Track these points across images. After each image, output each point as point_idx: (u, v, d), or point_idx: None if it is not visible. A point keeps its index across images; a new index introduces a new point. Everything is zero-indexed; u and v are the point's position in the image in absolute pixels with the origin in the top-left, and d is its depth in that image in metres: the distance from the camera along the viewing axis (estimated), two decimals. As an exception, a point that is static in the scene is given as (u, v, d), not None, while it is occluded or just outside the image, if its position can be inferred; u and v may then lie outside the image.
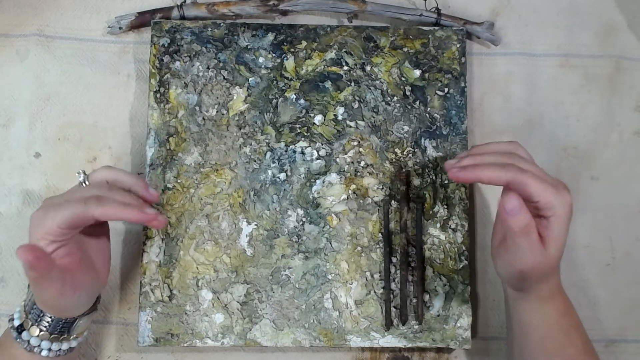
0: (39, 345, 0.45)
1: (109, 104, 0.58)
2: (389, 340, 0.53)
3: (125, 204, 0.44)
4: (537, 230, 0.44)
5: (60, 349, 0.46)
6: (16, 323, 0.46)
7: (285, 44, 0.57)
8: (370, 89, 0.56)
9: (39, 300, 0.45)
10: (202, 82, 0.56)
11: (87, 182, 0.46)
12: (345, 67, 0.57)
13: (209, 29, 0.57)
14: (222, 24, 0.57)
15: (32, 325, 0.45)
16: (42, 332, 0.45)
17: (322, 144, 0.56)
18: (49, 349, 0.46)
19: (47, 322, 0.45)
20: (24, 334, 0.45)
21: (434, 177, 0.55)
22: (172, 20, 0.57)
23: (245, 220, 0.54)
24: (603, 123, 0.60)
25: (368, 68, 0.57)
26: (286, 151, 0.55)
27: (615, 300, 0.57)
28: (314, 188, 0.55)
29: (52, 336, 0.46)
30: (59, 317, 0.45)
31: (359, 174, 0.55)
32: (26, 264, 0.41)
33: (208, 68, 0.56)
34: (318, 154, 0.55)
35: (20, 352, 0.45)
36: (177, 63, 0.56)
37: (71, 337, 0.47)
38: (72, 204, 0.43)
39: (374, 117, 0.56)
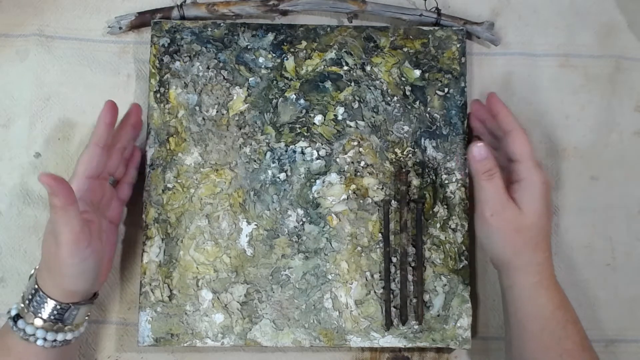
0: (34, 334, 0.45)
1: (109, 104, 0.58)
2: (389, 340, 0.53)
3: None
4: (510, 192, 0.49)
5: (55, 340, 0.46)
6: (13, 312, 0.46)
7: (285, 44, 0.57)
8: (370, 89, 0.56)
9: (49, 254, 0.45)
10: (202, 82, 0.56)
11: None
12: (345, 67, 0.57)
13: (209, 29, 0.57)
14: (222, 24, 0.57)
15: (28, 313, 0.46)
16: (36, 319, 0.45)
17: (322, 144, 0.56)
18: (44, 339, 0.46)
19: (46, 308, 0.46)
20: (20, 322, 0.46)
21: (434, 177, 0.55)
22: (172, 20, 0.57)
23: (245, 220, 0.54)
24: (603, 123, 0.60)
25: (368, 68, 0.57)
26: (286, 151, 0.55)
27: (615, 300, 0.57)
28: (314, 188, 0.55)
29: (46, 323, 0.46)
30: (58, 300, 0.46)
31: (359, 174, 0.55)
32: (48, 189, 0.43)
33: (208, 68, 0.56)
34: (318, 154, 0.55)
35: (16, 342, 0.46)
36: (177, 63, 0.56)
37: (66, 327, 0.47)
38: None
39: (374, 117, 0.56)
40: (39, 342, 0.46)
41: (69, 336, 0.47)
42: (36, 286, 0.46)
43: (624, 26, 0.61)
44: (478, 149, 0.48)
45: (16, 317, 0.46)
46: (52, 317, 0.46)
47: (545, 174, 0.49)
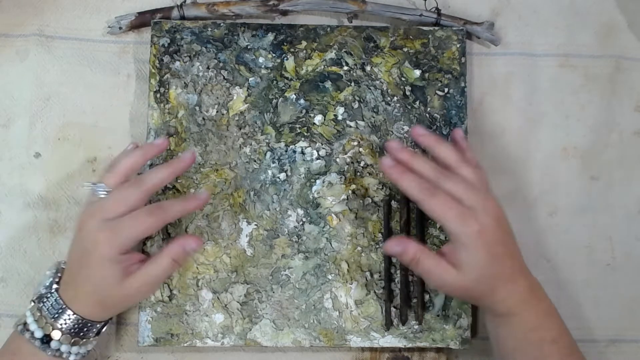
0: (69, 351, 0.46)
1: (109, 104, 0.58)
2: (389, 340, 0.53)
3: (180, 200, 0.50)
4: (444, 250, 0.47)
5: (86, 351, 0.48)
6: (38, 333, 0.45)
7: (285, 44, 0.57)
8: (370, 89, 0.56)
9: (132, 301, 0.49)
10: (202, 82, 0.56)
11: (106, 191, 0.48)
12: (345, 67, 0.57)
13: (209, 29, 0.57)
14: (222, 24, 0.57)
15: (62, 334, 0.46)
16: (73, 340, 0.46)
17: (322, 144, 0.56)
18: (77, 353, 0.47)
19: (72, 324, 0.46)
20: (53, 344, 0.45)
21: (434, 177, 0.55)
22: (172, 20, 0.57)
23: (245, 220, 0.54)
24: (603, 123, 0.60)
25: (368, 68, 0.57)
26: (286, 151, 0.55)
27: (615, 300, 0.57)
28: (314, 188, 0.55)
29: (82, 341, 0.47)
30: (89, 318, 0.46)
31: (359, 174, 0.55)
32: (196, 249, 0.48)
33: (208, 68, 0.56)
34: (318, 154, 0.55)
35: (38, 358, 0.46)
36: (177, 63, 0.56)
37: (94, 340, 0.48)
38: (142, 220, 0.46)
39: (374, 117, 0.56)
40: (72, 358, 0.46)
41: (94, 344, 0.49)
42: (70, 311, 0.46)
43: (624, 26, 0.61)
44: (392, 248, 0.47)
45: (45, 339, 0.45)
46: (75, 331, 0.46)
47: (474, 222, 0.44)
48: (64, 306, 0.46)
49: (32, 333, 0.45)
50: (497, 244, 0.45)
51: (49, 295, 0.46)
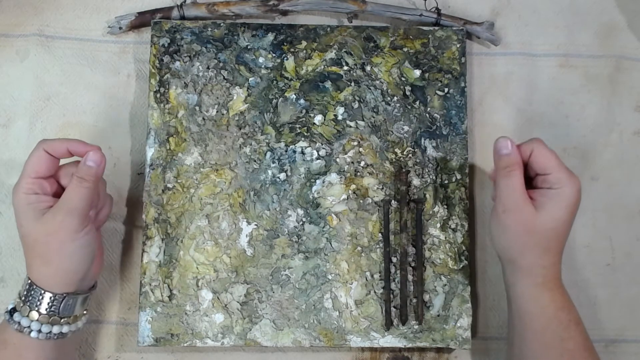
0: (29, 326, 0.46)
1: (109, 104, 0.58)
2: (389, 340, 0.53)
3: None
4: (533, 194, 0.48)
5: (50, 332, 0.47)
6: (9, 307, 0.47)
7: (285, 44, 0.57)
8: (370, 89, 0.56)
9: (44, 240, 0.46)
10: (202, 82, 0.56)
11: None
12: (345, 67, 0.57)
13: (209, 29, 0.57)
14: (222, 24, 0.57)
15: (24, 306, 0.46)
16: (32, 312, 0.46)
17: (322, 144, 0.56)
18: (39, 330, 0.46)
19: (43, 302, 0.46)
20: (15, 315, 0.46)
21: (434, 177, 0.55)
22: (172, 20, 0.57)
23: (245, 220, 0.54)
24: (603, 123, 0.60)
25: (368, 68, 0.57)
26: (286, 151, 0.55)
27: (615, 300, 0.57)
28: (314, 188, 0.55)
29: (42, 316, 0.46)
30: (53, 290, 0.46)
31: (359, 174, 0.55)
32: (96, 161, 0.47)
33: (208, 68, 0.56)
34: (318, 154, 0.55)
35: (11, 335, 0.46)
36: (177, 63, 0.56)
37: (62, 320, 0.47)
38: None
39: (374, 117, 0.56)
40: (33, 334, 0.46)
41: (64, 329, 0.47)
42: (29, 280, 0.47)
43: (624, 26, 0.61)
44: (502, 143, 0.48)
45: (12, 311, 0.46)
46: (49, 310, 0.46)
47: (577, 181, 0.47)
48: (31, 283, 0.46)
49: (7, 309, 0.47)
50: (574, 215, 0.48)
51: (24, 278, 0.48)
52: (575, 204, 0.47)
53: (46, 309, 0.46)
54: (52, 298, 0.46)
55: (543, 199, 0.47)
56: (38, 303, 0.46)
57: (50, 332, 0.46)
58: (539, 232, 0.47)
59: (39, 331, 0.46)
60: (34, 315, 0.46)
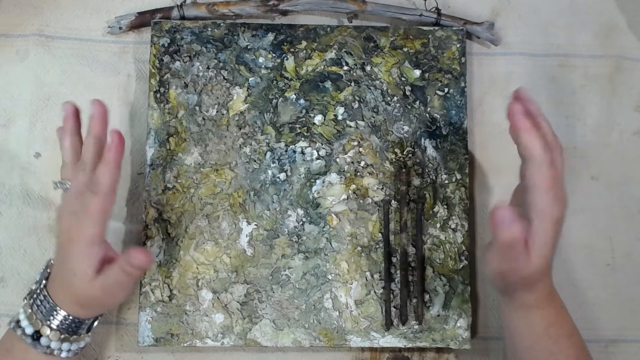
0: (60, 348, 0.46)
1: (109, 104, 0.57)
2: (389, 340, 0.53)
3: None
4: (521, 213, 0.43)
5: (78, 348, 0.48)
6: (29, 330, 0.46)
7: (285, 44, 0.57)
8: (370, 89, 0.56)
9: (103, 304, 0.48)
10: (202, 82, 0.56)
11: (69, 184, 0.49)
12: (345, 67, 0.57)
13: (209, 29, 0.57)
14: (222, 24, 0.57)
15: (44, 326, 0.46)
16: (54, 332, 0.46)
17: (322, 144, 0.56)
18: (69, 350, 0.47)
19: (61, 321, 0.46)
20: (43, 340, 0.46)
21: (434, 177, 0.55)
22: (172, 20, 0.57)
23: (245, 220, 0.54)
24: (603, 123, 0.60)
25: (368, 68, 0.57)
26: (286, 151, 0.55)
27: (615, 300, 0.57)
28: (314, 188, 0.55)
29: (72, 337, 0.47)
30: (77, 316, 0.46)
31: (359, 174, 0.55)
32: (144, 265, 0.45)
33: (208, 68, 0.56)
34: (318, 154, 0.55)
35: (36, 357, 0.46)
36: (177, 63, 0.56)
37: (86, 336, 0.48)
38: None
39: (374, 117, 0.56)
40: (63, 354, 0.46)
41: (88, 340, 0.49)
42: (46, 293, 0.46)
43: (624, 26, 0.61)
44: (503, 213, 0.42)
45: (36, 335, 0.46)
46: (64, 328, 0.46)
47: (561, 209, 0.43)
48: (51, 302, 0.46)
49: (24, 330, 0.46)
50: (556, 237, 0.44)
51: (38, 291, 0.47)
52: (557, 230, 0.44)
53: (61, 327, 0.46)
54: (74, 320, 0.47)
55: (530, 239, 0.43)
56: (53, 321, 0.46)
57: (78, 348, 0.47)
58: (532, 273, 0.45)
59: (69, 350, 0.47)
60: (64, 337, 0.46)
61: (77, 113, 0.50)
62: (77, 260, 0.45)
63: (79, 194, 0.46)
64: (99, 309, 0.48)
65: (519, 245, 0.43)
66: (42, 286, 0.47)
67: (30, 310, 0.46)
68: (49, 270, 0.48)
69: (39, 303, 0.46)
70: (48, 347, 0.46)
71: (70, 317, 0.46)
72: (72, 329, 0.46)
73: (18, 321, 0.46)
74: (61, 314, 0.46)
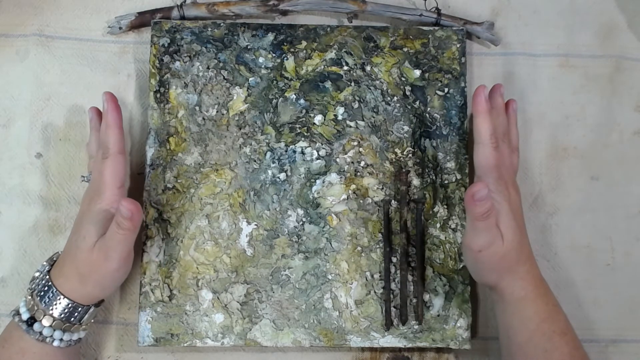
0: (52, 336, 0.46)
1: (109, 104, 0.58)
2: (389, 340, 0.53)
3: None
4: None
5: (70, 339, 0.47)
6: (25, 316, 0.46)
7: (285, 44, 0.57)
8: (370, 89, 0.56)
9: (91, 263, 0.47)
10: (202, 82, 0.56)
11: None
12: (345, 67, 0.57)
13: (209, 29, 0.57)
14: (222, 24, 0.57)
15: (44, 315, 0.46)
16: (55, 322, 0.46)
17: (322, 144, 0.56)
18: (61, 339, 0.47)
19: (62, 309, 0.46)
20: (36, 326, 0.46)
21: (434, 177, 0.55)
22: (172, 20, 0.57)
23: (245, 220, 0.54)
24: (603, 123, 0.60)
25: (368, 68, 0.57)
26: (286, 151, 0.55)
27: (615, 300, 0.57)
28: (314, 188, 0.55)
29: (65, 325, 0.47)
30: (78, 301, 0.47)
31: (359, 174, 0.55)
32: (128, 214, 0.45)
33: (208, 68, 0.56)
34: (318, 154, 0.55)
35: (30, 345, 0.46)
36: (177, 63, 0.56)
37: (81, 328, 0.48)
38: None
39: (374, 117, 0.56)
40: (56, 343, 0.47)
41: (82, 334, 0.49)
42: (50, 282, 0.47)
43: (624, 26, 0.61)
44: (477, 192, 0.45)
45: (30, 320, 0.46)
46: (70, 318, 0.47)
47: (512, 191, 0.50)
48: (51, 286, 0.47)
49: (21, 316, 0.46)
50: (520, 216, 0.50)
51: (41, 276, 0.48)
52: (517, 211, 0.50)
53: (60, 314, 0.47)
54: (70, 306, 0.47)
55: (497, 217, 0.48)
56: (53, 308, 0.46)
57: (70, 339, 0.47)
58: (508, 254, 0.47)
59: (61, 339, 0.47)
60: (57, 323, 0.46)
61: (118, 108, 0.51)
62: (88, 223, 0.47)
63: (94, 169, 0.50)
64: (97, 285, 0.48)
65: (492, 217, 0.47)
66: (44, 271, 0.48)
67: (31, 299, 0.47)
68: (54, 258, 0.49)
69: (40, 288, 0.47)
70: (40, 333, 0.46)
71: (70, 303, 0.47)
72: (72, 316, 0.47)
73: (18, 310, 0.47)
74: (61, 300, 0.46)
